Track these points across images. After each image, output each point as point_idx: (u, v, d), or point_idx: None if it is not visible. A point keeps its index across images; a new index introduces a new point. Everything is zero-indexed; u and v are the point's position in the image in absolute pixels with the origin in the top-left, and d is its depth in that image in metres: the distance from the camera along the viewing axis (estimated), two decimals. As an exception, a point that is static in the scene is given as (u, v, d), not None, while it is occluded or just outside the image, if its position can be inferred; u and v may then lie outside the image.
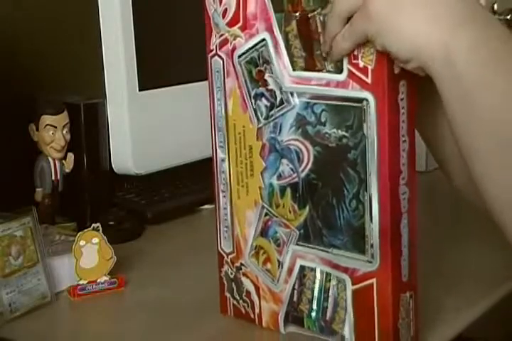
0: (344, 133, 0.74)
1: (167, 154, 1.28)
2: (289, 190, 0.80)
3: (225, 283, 0.89)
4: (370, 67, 0.71)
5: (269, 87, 0.79)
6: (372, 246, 0.74)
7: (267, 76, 0.79)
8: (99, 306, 0.94)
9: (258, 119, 0.81)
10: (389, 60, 0.70)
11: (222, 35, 0.82)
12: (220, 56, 0.82)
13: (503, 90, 0.65)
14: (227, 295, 0.89)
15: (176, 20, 1.28)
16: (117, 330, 0.89)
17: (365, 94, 0.72)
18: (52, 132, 1.11)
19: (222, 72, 0.83)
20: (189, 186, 1.31)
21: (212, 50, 0.83)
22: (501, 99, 0.65)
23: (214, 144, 0.85)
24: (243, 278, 0.87)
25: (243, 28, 0.79)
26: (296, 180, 0.78)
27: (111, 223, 1.14)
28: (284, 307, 0.83)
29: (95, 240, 0.96)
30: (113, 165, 1.22)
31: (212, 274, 1.02)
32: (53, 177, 1.13)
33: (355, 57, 0.71)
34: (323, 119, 0.75)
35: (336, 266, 0.78)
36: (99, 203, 1.19)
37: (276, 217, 0.81)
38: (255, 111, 0.81)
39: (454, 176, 0.82)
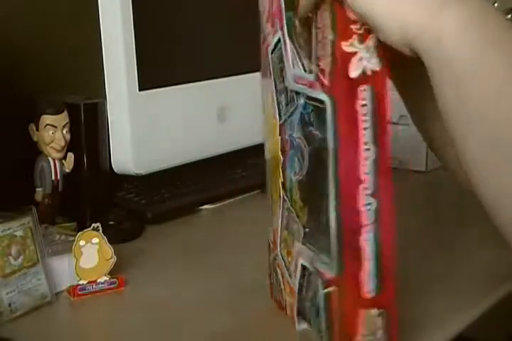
0: (322, 135, 0.72)
1: (167, 154, 1.28)
2: (297, 187, 0.79)
3: (270, 270, 0.91)
4: (327, 70, 0.69)
5: (286, 85, 0.79)
6: (334, 253, 0.72)
7: (283, 73, 0.79)
8: (99, 306, 0.94)
9: (280, 115, 0.81)
10: (344, 62, 0.67)
11: (263, 32, 0.84)
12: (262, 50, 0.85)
13: (501, 78, 0.62)
14: (271, 281, 0.91)
15: (176, 20, 1.29)
16: (117, 330, 0.89)
17: (324, 97, 0.70)
18: (52, 132, 1.11)
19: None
20: (189, 186, 1.31)
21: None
22: (499, 87, 0.62)
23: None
24: (277, 268, 0.88)
25: (271, 26, 0.80)
26: (301, 177, 0.78)
27: (111, 223, 1.13)
28: (295, 303, 0.83)
29: (95, 240, 0.96)
30: (113, 165, 1.22)
31: (212, 274, 1.02)
32: (53, 177, 1.13)
33: (320, 58, 0.70)
34: (312, 119, 0.74)
35: (315, 268, 0.77)
36: (99, 203, 1.19)
37: (292, 212, 0.81)
38: (278, 106, 0.81)
39: (452, 166, 0.80)
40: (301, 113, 0.76)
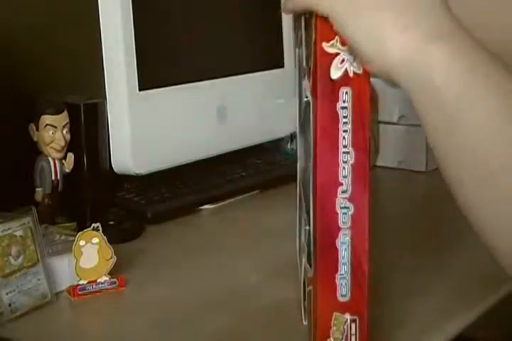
0: (309, 136, 0.72)
1: (167, 154, 1.28)
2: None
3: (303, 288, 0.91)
4: (312, 69, 0.69)
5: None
6: (310, 239, 0.73)
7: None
8: (99, 306, 0.94)
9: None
10: (325, 63, 0.67)
11: None
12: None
13: (489, 111, 0.61)
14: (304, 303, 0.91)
15: (176, 20, 1.29)
16: (117, 330, 0.89)
17: (309, 96, 0.70)
18: (52, 132, 1.11)
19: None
20: (189, 186, 1.31)
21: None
22: (486, 121, 0.61)
23: None
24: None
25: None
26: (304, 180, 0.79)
27: (111, 223, 1.13)
28: (302, 299, 0.83)
29: (95, 240, 0.95)
30: (113, 165, 1.22)
31: (212, 274, 1.02)
32: (53, 177, 1.13)
33: (308, 57, 0.70)
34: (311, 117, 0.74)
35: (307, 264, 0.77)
36: (99, 203, 1.19)
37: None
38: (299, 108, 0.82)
39: None
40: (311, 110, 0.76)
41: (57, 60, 1.29)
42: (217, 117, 1.36)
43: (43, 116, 1.11)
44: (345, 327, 0.72)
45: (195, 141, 1.32)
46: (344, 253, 0.70)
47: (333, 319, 0.71)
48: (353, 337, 0.72)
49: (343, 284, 0.71)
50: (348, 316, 0.71)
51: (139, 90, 1.22)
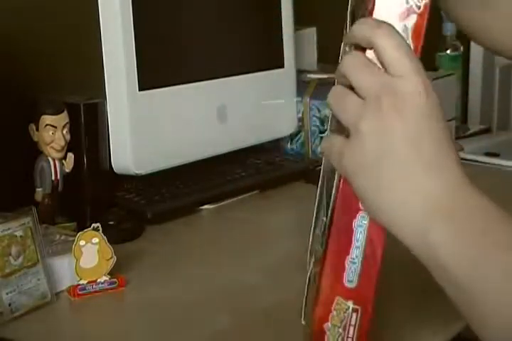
0: None
1: (167, 154, 1.28)
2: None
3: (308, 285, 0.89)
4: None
5: None
6: (324, 230, 0.71)
7: None
8: (99, 306, 0.94)
9: None
10: None
11: None
12: None
13: (498, 285, 0.61)
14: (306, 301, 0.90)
15: (176, 21, 1.29)
16: (117, 330, 0.89)
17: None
18: (52, 132, 1.11)
19: None
20: (189, 186, 1.31)
21: None
22: (497, 295, 0.61)
23: None
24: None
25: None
26: None
27: (111, 223, 1.13)
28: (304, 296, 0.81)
29: (95, 240, 0.96)
30: (113, 165, 1.22)
31: (212, 274, 1.02)
32: (53, 177, 1.13)
33: None
34: None
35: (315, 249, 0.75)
36: (99, 203, 1.19)
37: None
38: None
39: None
40: None
41: (57, 60, 1.29)
42: (218, 117, 1.36)
43: (43, 116, 1.11)
44: (346, 315, 0.70)
45: (195, 141, 1.32)
46: (359, 236, 0.69)
47: (335, 303, 0.70)
48: (352, 329, 0.70)
49: (352, 269, 0.69)
50: (350, 304, 0.70)
51: (139, 90, 1.22)
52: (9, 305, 0.89)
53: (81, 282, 0.95)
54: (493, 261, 0.61)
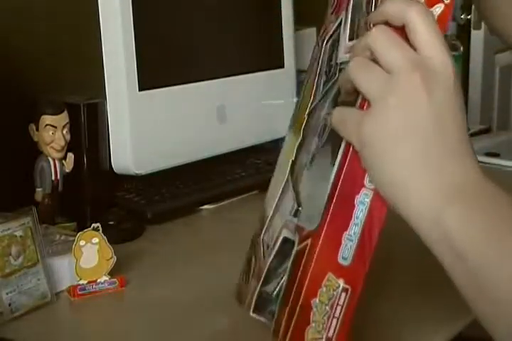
0: None
1: (167, 154, 1.28)
2: (308, 163, 0.76)
3: (245, 267, 0.88)
4: None
5: (332, 63, 0.77)
6: (324, 203, 0.69)
7: (333, 55, 0.77)
8: (99, 306, 0.94)
9: (315, 96, 0.79)
10: None
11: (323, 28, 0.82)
12: (318, 44, 0.81)
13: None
14: (241, 279, 0.87)
15: (176, 21, 1.29)
16: (117, 330, 0.89)
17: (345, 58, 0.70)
18: (52, 132, 1.11)
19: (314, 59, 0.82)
20: (189, 186, 1.31)
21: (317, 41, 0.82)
22: (511, 281, 0.60)
23: None
24: (252, 259, 0.85)
25: (336, 14, 0.78)
26: (315, 152, 0.76)
27: (111, 223, 1.13)
28: (259, 287, 0.79)
29: (95, 240, 0.95)
30: (113, 165, 1.22)
31: (212, 274, 1.02)
32: (53, 177, 1.13)
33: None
34: None
35: (297, 225, 0.73)
36: (99, 203, 1.19)
37: (291, 191, 0.78)
38: (316, 88, 0.79)
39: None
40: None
41: (58, 60, 1.29)
42: (217, 117, 1.36)
43: (43, 116, 1.11)
44: (335, 293, 0.68)
45: (195, 141, 1.32)
46: (360, 214, 0.67)
47: (326, 279, 0.68)
48: (339, 308, 0.68)
49: (348, 246, 0.68)
50: (341, 283, 0.68)
51: (139, 90, 1.22)
52: (9, 305, 0.89)
53: (81, 282, 0.95)
54: (508, 247, 0.61)
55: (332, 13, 0.80)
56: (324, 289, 0.68)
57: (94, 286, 0.95)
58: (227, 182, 1.34)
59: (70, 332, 0.91)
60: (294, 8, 1.47)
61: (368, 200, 0.67)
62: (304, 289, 0.69)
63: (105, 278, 0.96)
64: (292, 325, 0.70)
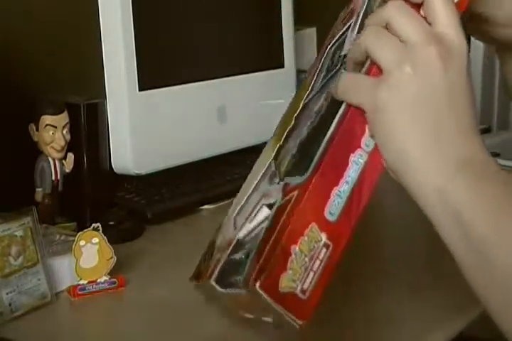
0: None
1: (167, 154, 1.28)
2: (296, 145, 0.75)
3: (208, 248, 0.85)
4: None
5: (334, 58, 0.76)
6: (317, 158, 0.68)
7: (338, 52, 0.76)
8: (99, 306, 0.94)
9: (312, 88, 0.77)
10: None
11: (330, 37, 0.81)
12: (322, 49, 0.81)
13: None
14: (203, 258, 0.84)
15: (176, 20, 1.29)
16: (117, 330, 0.89)
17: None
18: (52, 132, 1.11)
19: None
20: (189, 186, 1.31)
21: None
22: None
23: None
24: (218, 235, 0.84)
25: (346, 22, 0.78)
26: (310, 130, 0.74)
27: (111, 223, 1.13)
28: (226, 256, 0.75)
29: (95, 240, 0.96)
30: (113, 165, 1.22)
31: (212, 274, 1.02)
32: (53, 177, 1.13)
33: None
34: None
35: (282, 189, 0.72)
36: (99, 203, 1.19)
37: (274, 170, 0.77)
38: (314, 83, 0.78)
39: None
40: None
41: (58, 60, 1.29)
42: (217, 117, 1.36)
43: (43, 117, 1.11)
44: (317, 246, 0.66)
45: (195, 141, 1.32)
46: (352, 173, 0.67)
47: (309, 228, 0.66)
48: (318, 262, 0.67)
49: (336, 203, 0.67)
50: (324, 237, 0.66)
51: (139, 90, 1.22)
52: (9, 305, 0.89)
53: (81, 282, 0.95)
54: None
55: (342, 22, 0.80)
56: (306, 238, 0.67)
57: (94, 286, 0.95)
58: (227, 182, 1.34)
59: (70, 332, 0.91)
60: (294, 8, 1.47)
61: (362, 161, 0.67)
62: (285, 234, 0.67)
63: (105, 278, 0.96)
64: (268, 269, 0.67)
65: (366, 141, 0.68)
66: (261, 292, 0.66)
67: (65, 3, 1.30)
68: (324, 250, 0.67)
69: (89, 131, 1.16)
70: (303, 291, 0.67)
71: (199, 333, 0.86)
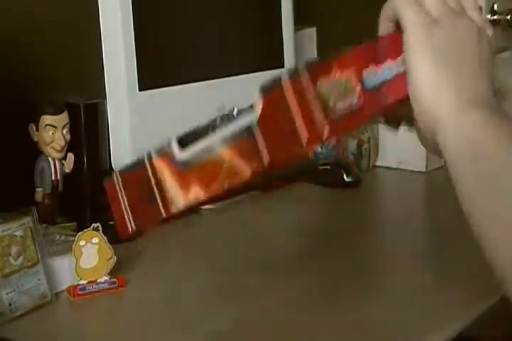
0: None
1: (167, 154, 1.28)
2: None
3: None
4: None
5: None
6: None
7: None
8: (99, 306, 0.94)
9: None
10: None
11: None
12: None
13: None
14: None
15: (176, 20, 1.28)
16: (117, 330, 0.89)
17: None
18: (52, 132, 1.11)
19: None
20: (189, 186, 1.30)
21: None
22: None
23: None
24: None
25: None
26: None
27: (111, 223, 1.13)
28: None
29: (95, 240, 0.96)
30: (113, 165, 1.22)
31: (212, 274, 1.02)
32: (53, 177, 1.13)
33: None
34: None
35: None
36: (99, 203, 1.18)
37: None
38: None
39: None
40: None
41: (58, 60, 1.28)
42: (217, 117, 1.36)
43: (43, 116, 1.11)
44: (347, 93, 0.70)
45: (195, 141, 1.32)
46: (387, 71, 0.70)
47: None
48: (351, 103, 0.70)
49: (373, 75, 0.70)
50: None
51: (139, 90, 1.22)
52: (9, 305, 0.89)
53: (81, 282, 0.95)
54: None
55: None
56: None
57: (94, 286, 0.95)
58: (227, 182, 1.34)
59: (69, 332, 0.91)
60: (294, 8, 1.46)
61: (390, 74, 0.70)
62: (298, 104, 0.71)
63: (105, 278, 0.96)
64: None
65: (400, 60, 0.71)
66: None
67: (65, 3, 1.30)
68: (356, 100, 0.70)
69: (89, 131, 1.16)
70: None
71: (198, 333, 0.86)
